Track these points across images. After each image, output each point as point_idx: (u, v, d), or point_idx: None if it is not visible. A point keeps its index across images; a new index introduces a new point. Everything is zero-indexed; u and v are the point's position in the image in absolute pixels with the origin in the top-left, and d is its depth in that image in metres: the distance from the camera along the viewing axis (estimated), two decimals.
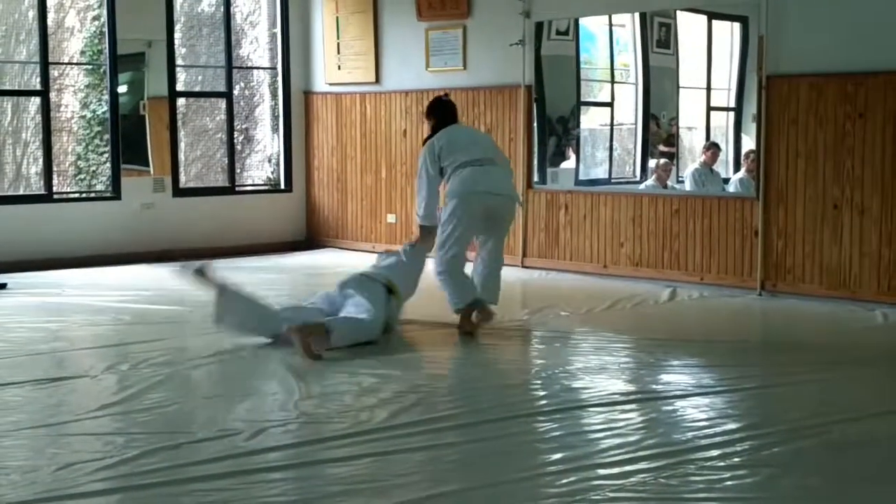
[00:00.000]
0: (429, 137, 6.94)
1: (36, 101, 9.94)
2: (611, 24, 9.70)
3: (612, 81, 10.03)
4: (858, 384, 5.54)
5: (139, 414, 4.86)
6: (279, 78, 11.37)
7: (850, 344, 6.57)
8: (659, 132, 9.75)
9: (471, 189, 6.64)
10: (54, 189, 9.99)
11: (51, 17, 9.97)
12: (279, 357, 5.99)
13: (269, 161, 11.57)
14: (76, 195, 10.30)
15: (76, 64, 10.40)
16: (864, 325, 7.06)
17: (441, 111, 7.01)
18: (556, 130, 9.80)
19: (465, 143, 6.83)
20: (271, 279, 9.13)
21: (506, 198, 6.80)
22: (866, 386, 5.52)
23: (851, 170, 7.70)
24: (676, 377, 5.82)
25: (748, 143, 8.66)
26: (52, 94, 9.98)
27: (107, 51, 10.10)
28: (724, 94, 9.41)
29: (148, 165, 10.44)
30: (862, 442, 4.49)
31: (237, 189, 11.17)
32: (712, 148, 9.21)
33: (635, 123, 9.88)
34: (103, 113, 10.27)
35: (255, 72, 11.49)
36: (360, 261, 10.15)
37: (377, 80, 10.79)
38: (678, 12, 9.26)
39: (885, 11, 7.53)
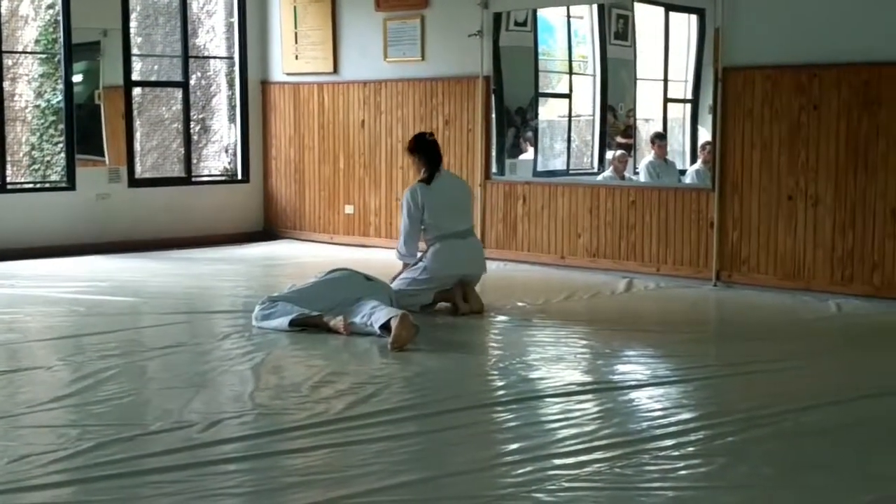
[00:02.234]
0: (421, 179, 7.20)
1: None
2: (569, 16, 9.73)
3: (571, 73, 10.06)
4: (811, 374, 5.59)
5: (94, 406, 4.82)
6: (236, 67, 11.30)
7: (803, 334, 6.63)
8: (616, 124, 9.79)
9: (447, 273, 7.10)
10: (8, 179, 9.87)
11: (4, 5, 9.86)
12: (235, 348, 5.98)
13: (226, 151, 11.51)
14: (30, 185, 10.21)
15: (30, 53, 10.29)
16: (817, 316, 7.13)
17: (427, 152, 7.22)
18: (514, 121, 9.82)
19: (449, 208, 7.18)
20: (228, 270, 9.09)
21: (478, 272, 7.28)
22: (819, 375, 5.57)
23: (806, 161, 7.77)
24: (632, 367, 5.85)
25: (704, 134, 8.71)
26: (6, 84, 9.87)
27: (61, 40, 10.00)
28: (681, 86, 9.46)
29: (103, 156, 10.35)
30: (815, 430, 4.53)
31: (194, 179, 11.09)
32: (657, 140, 9.26)
33: (593, 115, 9.92)
34: (58, 102, 10.17)
35: (211, 61, 11.42)
36: (317, 252, 10.16)
37: (335, 70, 10.76)
38: (636, 4, 9.32)
39: (839, 4, 7.61)
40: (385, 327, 6.11)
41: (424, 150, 7.22)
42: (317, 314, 6.43)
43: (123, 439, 4.28)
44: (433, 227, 7.15)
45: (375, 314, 6.27)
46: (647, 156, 9.38)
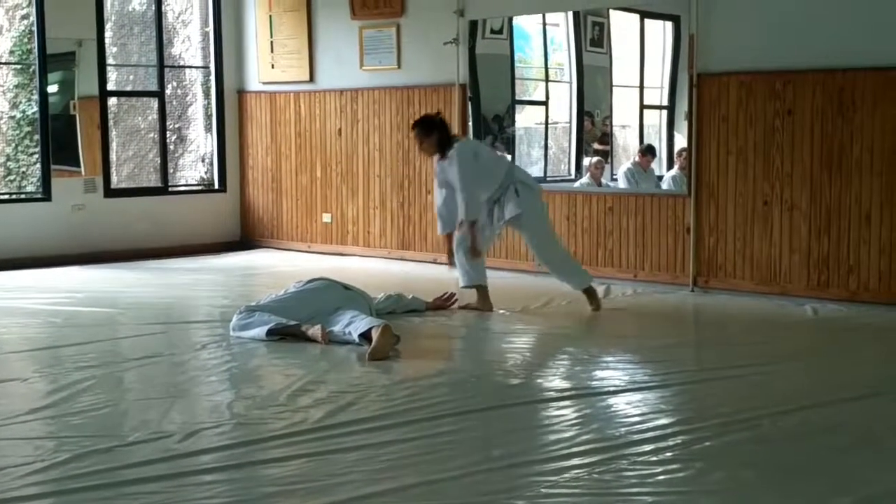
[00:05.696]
0: (443, 146, 7.41)
1: None
2: (544, 23, 9.74)
3: (547, 80, 10.08)
4: (788, 378, 5.62)
5: (71, 417, 4.80)
6: (212, 77, 11.28)
7: (780, 338, 6.66)
8: (593, 130, 9.81)
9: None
10: None
11: None
12: (213, 358, 5.96)
13: (203, 161, 11.48)
14: (6, 196, 10.16)
15: (5, 63, 10.25)
16: (794, 320, 7.16)
17: (444, 128, 7.47)
18: (491, 129, 9.82)
19: (491, 167, 7.49)
20: (206, 280, 9.07)
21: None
22: (796, 380, 5.60)
23: (781, 166, 7.81)
24: (610, 373, 5.86)
25: (681, 140, 8.74)
26: None
27: (36, 50, 9.96)
28: (657, 93, 9.48)
29: (79, 166, 10.31)
30: (792, 435, 4.55)
31: (170, 189, 11.07)
32: (647, 154, 9.27)
33: (570, 122, 9.93)
34: (33, 113, 10.13)
35: (187, 71, 11.40)
36: (295, 261, 10.14)
37: (311, 79, 10.75)
38: (611, 11, 9.32)
39: (812, 10, 7.65)
40: (365, 336, 6.10)
41: (440, 128, 7.45)
42: (294, 323, 6.41)
43: (100, 451, 4.26)
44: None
45: (355, 323, 6.26)
46: (624, 162, 9.40)
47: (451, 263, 7.68)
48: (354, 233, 10.51)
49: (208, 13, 11.24)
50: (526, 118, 10.19)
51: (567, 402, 5.09)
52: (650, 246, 8.52)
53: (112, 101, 10.64)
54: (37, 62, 9.98)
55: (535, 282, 8.73)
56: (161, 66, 10.85)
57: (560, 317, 7.42)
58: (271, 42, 11.00)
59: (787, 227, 7.80)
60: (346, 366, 5.83)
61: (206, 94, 11.39)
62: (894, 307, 7.31)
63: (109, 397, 5.18)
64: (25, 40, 10.20)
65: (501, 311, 7.45)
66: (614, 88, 9.59)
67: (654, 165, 9.29)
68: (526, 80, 10.20)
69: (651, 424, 4.65)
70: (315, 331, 6.29)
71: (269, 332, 6.34)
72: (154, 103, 10.91)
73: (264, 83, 11.15)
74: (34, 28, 9.97)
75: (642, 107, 9.65)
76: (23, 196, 10.20)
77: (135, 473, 4.00)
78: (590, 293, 7.51)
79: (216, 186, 11.38)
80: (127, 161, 10.94)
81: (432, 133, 7.42)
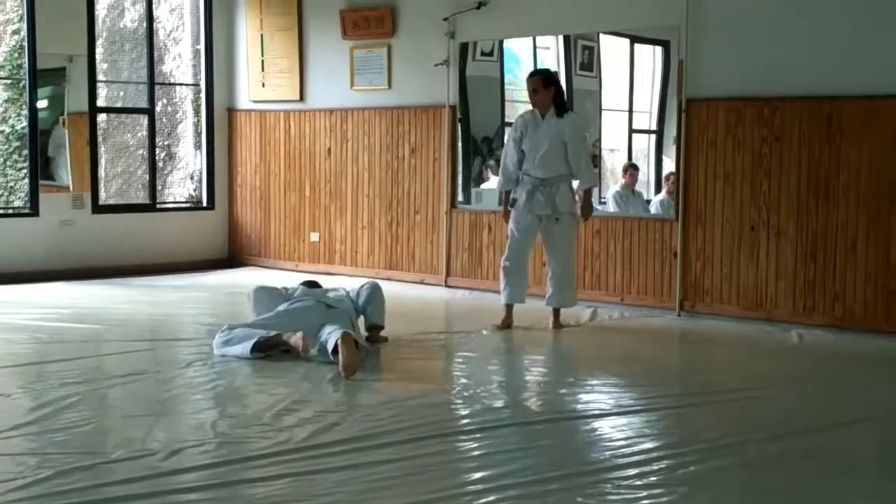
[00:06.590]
0: (561, 102, 7.60)
1: None
2: (535, 47, 9.78)
3: None
4: (773, 404, 5.63)
5: (54, 434, 4.78)
6: (202, 94, 11.29)
7: (765, 364, 6.67)
8: None
9: None
10: None
11: None
12: (198, 376, 5.95)
13: (192, 178, 11.48)
14: None
15: None
16: (779, 346, 7.18)
17: (559, 87, 7.67)
18: (480, 150, 9.84)
19: None
20: (192, 297, 9.05)
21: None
22: (781, 405, 5.61)
23: (768, 192, 7.84)
24: (595, 396, 5.87)
25: (669, 165, 8.77)
26: None
27: (26, 65, 9.96)
28: (646, 117, 9.51)
29: (67, 182, 10.29)
30: (776, 460, 4.56)
31: (158, 206, 11.05)
32: (630, 170, 9.31)
33: None
34: (22, 128, 10.12)
35: (177, 88, 11.41)
36: (282, 279, 10.12)
37: (301, 98, 10.77)
38: (601, 36, 9.37)
39: (800, 39, 7.70)
40: (336, 352, 6.08)
41: (557, 84, 7.63)
42: (275, 333, 6.39)
43: (84, 468, 4.24)
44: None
45: (330, 339, 6.22)
46: (612, 186, 9.42)
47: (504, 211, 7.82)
48: (342, 252, 10.52)
49: (200, 31, 11.25)
50: None
51: (551, 426, 5.08)
52: (637, 270, 8.54)
53: (102, 117, 10.64)
54: (27, 77, 9.97)
55: (522, 304, 8.72)
56: (151, 83, 10.85)
57: (545, 339, 7.42)
58: (262, 61, 11.02)
59: (774, 252, 7.83)
60: (331, 385, 5.82)
61: (196, 112, 11.39)
62: (879, 334, 7.34)
63: (93, 414, 5.17)
64: (16, 55, 10.21)
65: (484, 332, 7.45)
66: (603, 112, 9.63)
67: (642, 189, 9.32)
68: (516, 103, 10.21)
69: (636, 449, 4.65)
70: (296, 339, 6.27)
71: (254, 346, 6.32)
72: (144, 120, 10.91)
73: (254, 101, 11.16)
74: (25, 43, 9.97)
75: (631, 131, 9.68)
76: (10, 211, 10.19)
77: (118, 491, 3.98)
78: (557, 313, 7.70)
79: (204, 204, 11.37)
80: (115, 177, 10.94)
81: (550, 87, 7.57)
